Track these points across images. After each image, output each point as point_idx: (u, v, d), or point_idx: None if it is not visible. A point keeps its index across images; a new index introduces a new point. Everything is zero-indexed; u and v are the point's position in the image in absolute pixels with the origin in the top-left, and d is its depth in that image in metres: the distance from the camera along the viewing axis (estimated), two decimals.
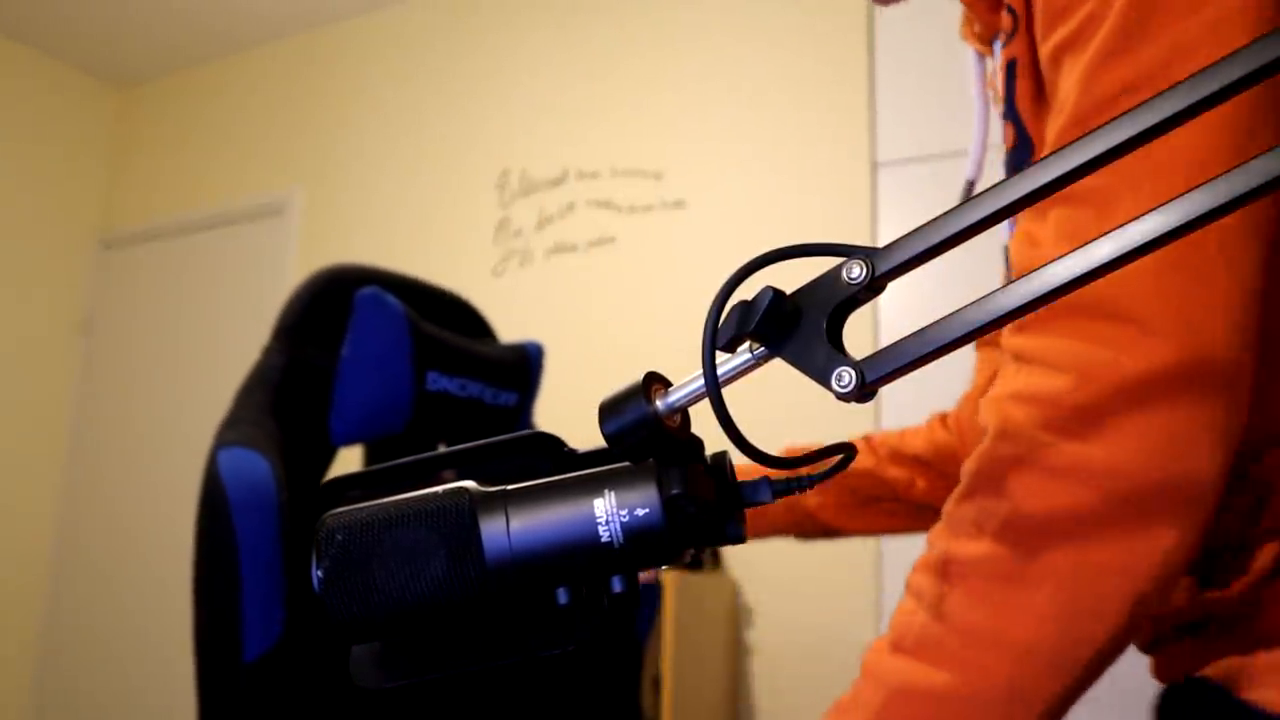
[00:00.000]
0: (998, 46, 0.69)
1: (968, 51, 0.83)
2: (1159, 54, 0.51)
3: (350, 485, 0.57)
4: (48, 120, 4.01)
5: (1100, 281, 0.41)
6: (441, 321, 1.19)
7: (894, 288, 0.51)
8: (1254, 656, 0.53)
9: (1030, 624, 0.50)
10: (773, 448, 0.54)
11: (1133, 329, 0.49)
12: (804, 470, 0.52)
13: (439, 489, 0.52)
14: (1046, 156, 0.42)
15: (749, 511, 0.52)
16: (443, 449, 0.87)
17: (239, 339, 3.65)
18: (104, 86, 4.22)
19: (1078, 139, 0.41)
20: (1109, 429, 0.49)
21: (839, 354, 0.46)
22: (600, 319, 2.95)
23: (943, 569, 0.53)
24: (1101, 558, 0.49)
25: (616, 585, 0.52)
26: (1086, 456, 0.49)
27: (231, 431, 0.95)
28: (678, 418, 0.51)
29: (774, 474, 0.54)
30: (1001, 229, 0.66)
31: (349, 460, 1.10)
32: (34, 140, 3.95)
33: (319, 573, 0.51)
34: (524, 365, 1.23)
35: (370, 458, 1.10)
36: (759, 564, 2.54)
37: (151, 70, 4.14)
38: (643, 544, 0.50)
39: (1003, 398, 0.53)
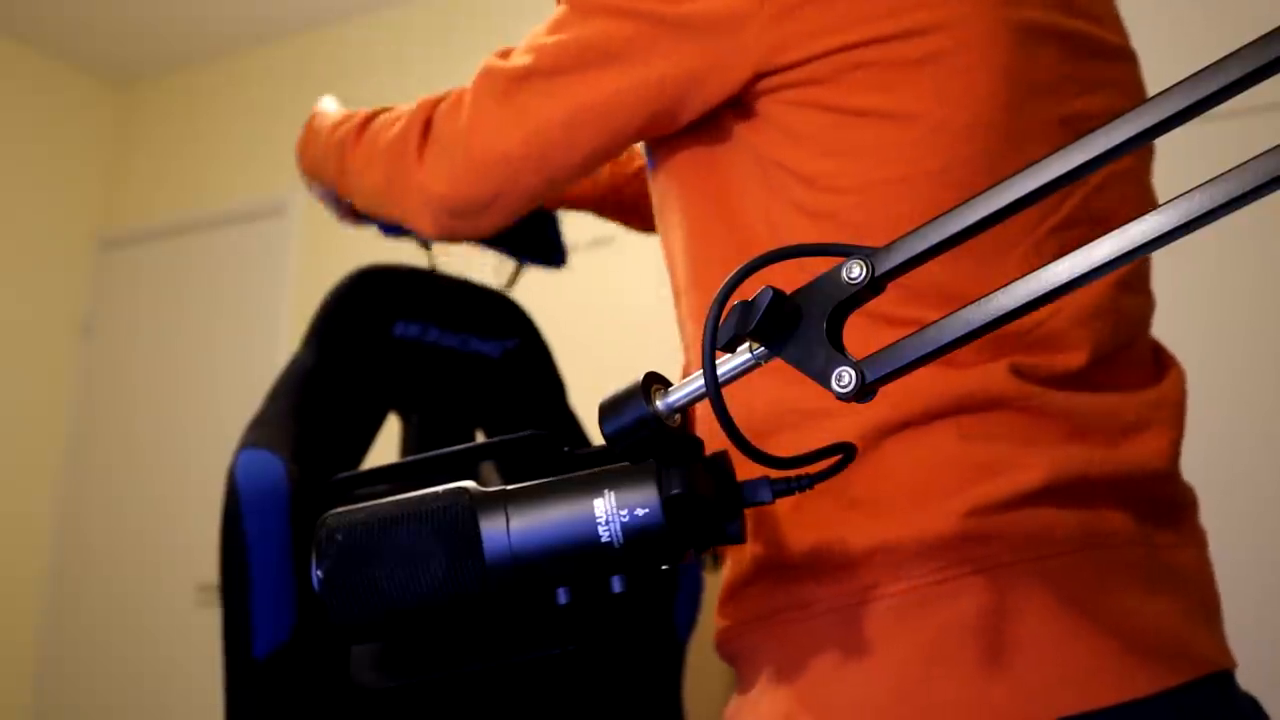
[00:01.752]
0: None
1: None
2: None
3: (355, 484, 0.57)
4: (48, 120, 4.01)
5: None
6: (472, 318, 1.20)
7: None
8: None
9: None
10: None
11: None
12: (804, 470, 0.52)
13: (439, 489, 0.52)
14: (1047, 157, 0.42)
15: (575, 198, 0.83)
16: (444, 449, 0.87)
17: (239, 339, 3.65)
18: (104, 86, 4.21)
19: (1078, 139, 0.41)
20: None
21: (839, 354, 0.46)
22: (600, 319, 2.95)
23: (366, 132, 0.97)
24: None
25: (616, 585, 0.52)
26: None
27: (252, 432, 0.97)
28: (678, 418, 0.51)
29: (774, 473, 0.54)
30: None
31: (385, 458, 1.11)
32: (34, 140, 3.95)
33: (319, 573, 0.51)
34: (513, 308, 1.25)
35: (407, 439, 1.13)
36: None
37: (151, 70, 4.14)
38: (643, 544, 0.50)
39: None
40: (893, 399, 0.61)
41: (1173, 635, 0.62)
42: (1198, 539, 0.71)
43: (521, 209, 0.83)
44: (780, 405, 0.67)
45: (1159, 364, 0.75)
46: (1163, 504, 0.67)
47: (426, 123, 0.86)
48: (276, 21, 3.79)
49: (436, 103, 0.88)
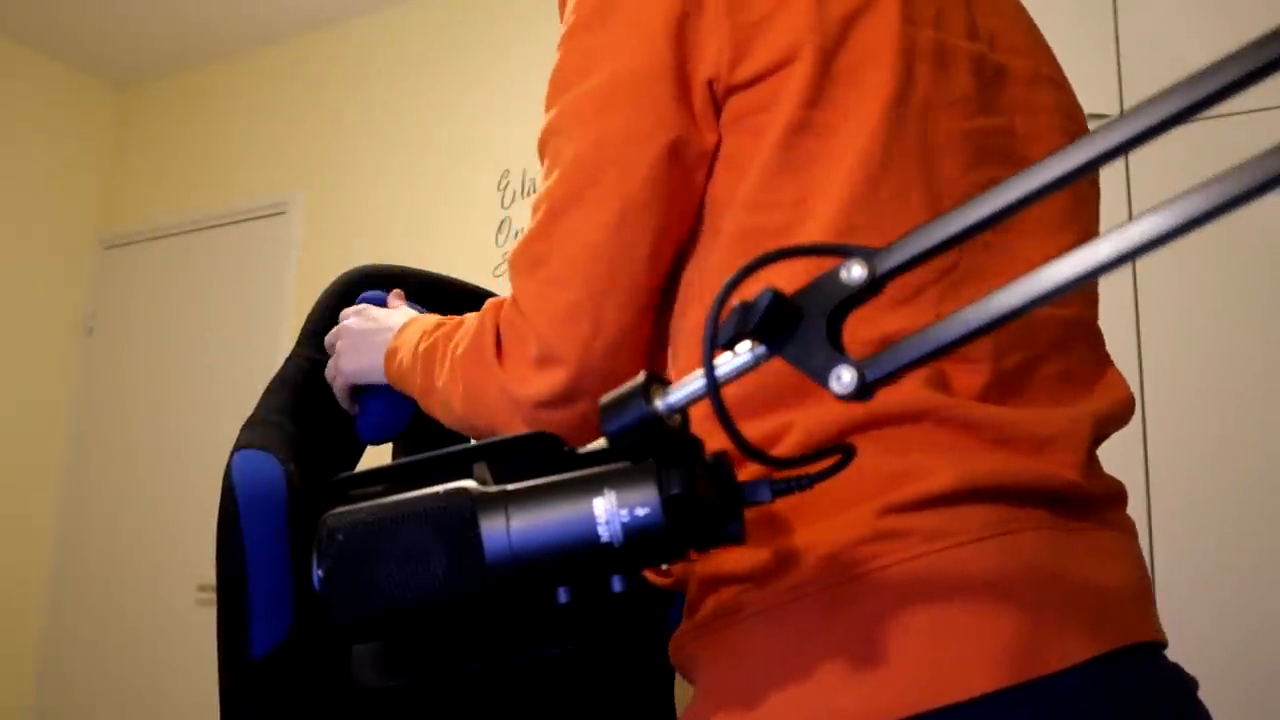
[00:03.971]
0: None
1: None
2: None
3: (353, 484, 0.57)
4: (48, 120, 4.01)
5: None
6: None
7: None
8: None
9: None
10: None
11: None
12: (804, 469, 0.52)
13: (439, 488, 0.52)
14: (1047, 157, 0.42)
15: None
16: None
17: (239, 340, 3.66)
18: (104, 86, 4.22)
19: (1079, 139, 0.41)
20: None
21: (839, 354, 0.46)
22: None
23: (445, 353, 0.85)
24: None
25: (616, 585, 0.52)
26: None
27: (248, 433, 0.98)
28: (678, 417, 0.51)
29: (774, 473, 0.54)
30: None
31: (378, 459, 1.11)
32: (35, 141, 3.95)
33: (319, 572, 0.51)
34: None
35: (399, 450, 1.12)
36: None
37: (151, 70, 4.14)
38: (643, 544, 0.50)
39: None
40: (814, 419, 0.65)
41: (1092, 609, 0.64)
42: (1123, 525, 0.73)
43: (616, 351, 0.74)
44: (702, 421, 0.68)
45: (1090, 378, 0.76)
46: (1078, 502, 0.69)
47: (496, 334, 0.79)
48: (276, 22, 3.79)
49: (494, 314, 0.80)
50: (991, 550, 0.62)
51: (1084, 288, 0.74)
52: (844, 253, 0.47)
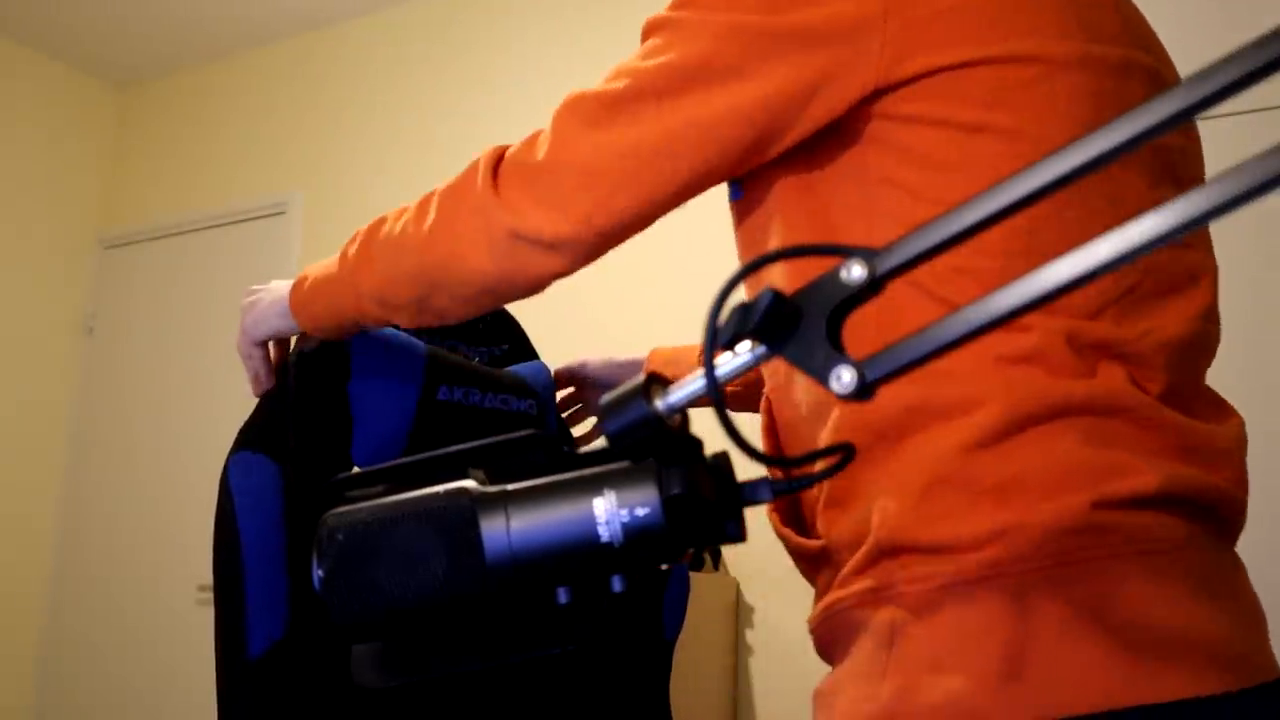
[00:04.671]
0: None
1: None
2: None
3: (353, 485, 0.57)
4: (48, 120, 4.01)
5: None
6: (465, 326, 1.20)
7: None
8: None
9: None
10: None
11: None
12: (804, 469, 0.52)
13: (439, 488, 0.52)
14: (1047, 157, 0.42)
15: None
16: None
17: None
18: (104, 86, 4.22)
19: (1079, 138, 0.41)
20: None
21: (839, 353, 0.46)
22: (600, 319, 2.95)
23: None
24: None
25: (616, 585, 0.52)
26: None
27: (245, 435, 0.99)
28: (678, 417, 0.51)
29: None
30: None
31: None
32: (34, 140, 3.95)
33: (320, 572, 0.51)
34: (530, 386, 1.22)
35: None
36: (759, 564, 2.54)
37: (151, 70, 4.14)
38: (643, 543, 0.50)
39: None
40: (1015, 397, 0.66)
41: (1242, 641, 0.67)
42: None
43: (607, 240, 0.78)
44: (902, 404, 0.69)
45: (1221, 399, 0.79)
46: (1235, 522, 0.73)
47: (494, 164, 0.81)
48: (276, 22, 3.79)
49: (497, 150, 0.82)
50: (1192, 559, 0.66)
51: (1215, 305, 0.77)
52: (844, 253, 0.47)
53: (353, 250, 0.89)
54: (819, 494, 0.76)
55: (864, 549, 0.70)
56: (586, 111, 0.76)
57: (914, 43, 0.70)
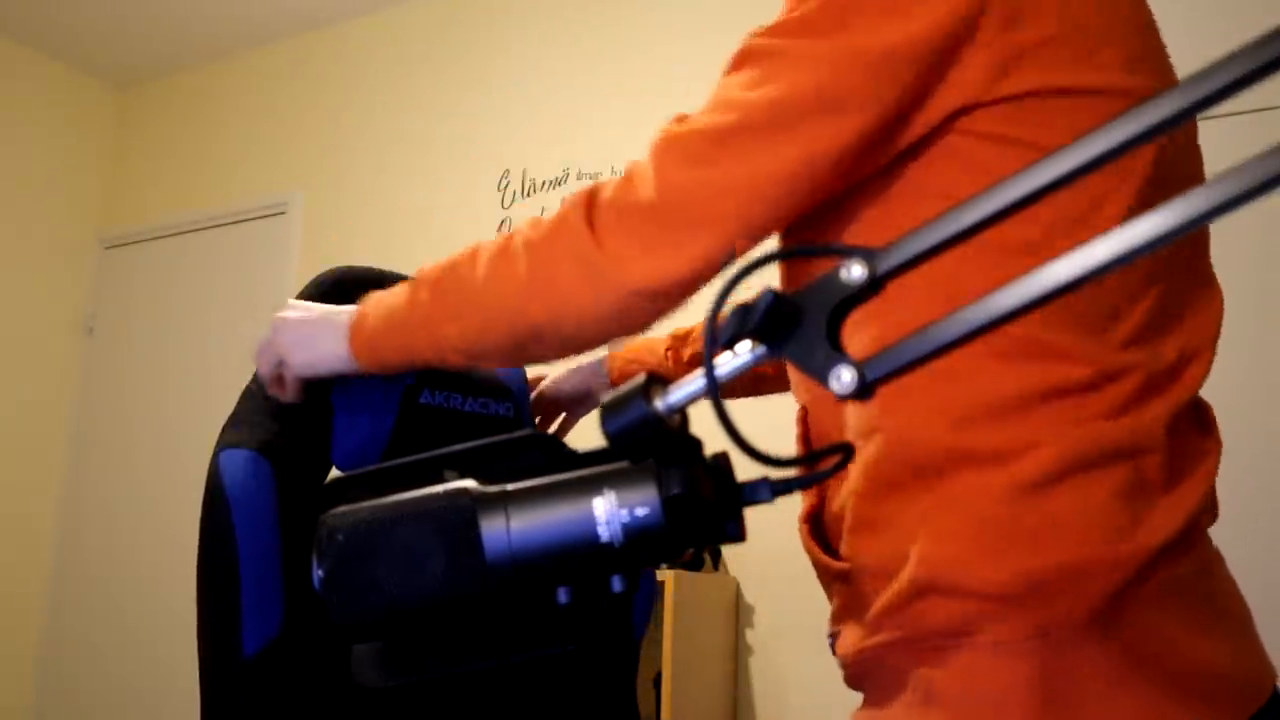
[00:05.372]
0: None
1: None
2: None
3: (352, 485, 0.57)
4: (48, 120, 4.01)
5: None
6: None
7: None
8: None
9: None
10: (772, 448, 0.54)
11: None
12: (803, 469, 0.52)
13: (439, 488, 0.52)
14: (1048, 156, 0.42)
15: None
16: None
17: (239, 340, 3.65)
18: (104, 86, 4.22)
19: (1080, 138, 0.41)
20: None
21: (839, 353, 0.46)
22: None
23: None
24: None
25: (616, 585, 0.52)
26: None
27: (233, 432, 0.97)
28: (677, 417, 0.51)
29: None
30: None
31: None
32: (34, 140, 3.95)
33: (320, 572, 0.51)
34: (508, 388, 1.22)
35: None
36: (759, 564, 2.54)
37: (151, 70, 4.14)
38: (642, 543, 0.50)
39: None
40: (1067, 441, 0.67)
41: (1248, 652, 0.70)
42: None
43: (715, 274, 0.75)
44: (938, 446, 0.69)
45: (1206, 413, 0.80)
46: (1213, 519, 0.75)
47: (588, 208, 0.76)
48: (276, 22, 3.79)
49: (589, 193, 0.77)
50: (1203, 581, 0.69)
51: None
52: (844, 253, 0.47)
53: (425, 296, 0.82)
54: (844, 514, 0.75)
55: (899, 587, 0.69)
56: (692, 148, 0.73)
57: (1015, 65, 0.70)
